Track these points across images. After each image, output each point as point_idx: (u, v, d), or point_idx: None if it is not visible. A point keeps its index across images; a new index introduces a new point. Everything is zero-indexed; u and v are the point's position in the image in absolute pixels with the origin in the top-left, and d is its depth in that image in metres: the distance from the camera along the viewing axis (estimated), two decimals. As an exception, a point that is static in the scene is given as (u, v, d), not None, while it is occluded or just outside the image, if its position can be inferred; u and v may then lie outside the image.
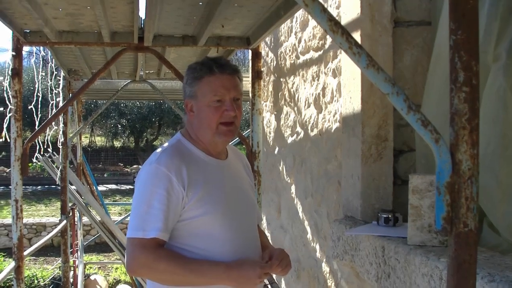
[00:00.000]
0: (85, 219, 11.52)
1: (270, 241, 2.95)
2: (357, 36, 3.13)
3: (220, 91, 2.45)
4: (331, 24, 1.45)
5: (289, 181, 5.32)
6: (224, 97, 2.45)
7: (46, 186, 27.40)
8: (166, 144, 2.61)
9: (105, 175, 30.71)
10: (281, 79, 5.54)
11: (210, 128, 2.48)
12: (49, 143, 8.10)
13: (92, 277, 12.66)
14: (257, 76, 5.17)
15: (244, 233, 2.57)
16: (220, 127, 2.47)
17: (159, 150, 2.54)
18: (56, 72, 8.32)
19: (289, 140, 5.27)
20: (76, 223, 10.10)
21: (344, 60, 3.53)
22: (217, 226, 2.45)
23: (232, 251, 2.45)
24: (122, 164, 35.67)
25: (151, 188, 2.38)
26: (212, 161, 2.57)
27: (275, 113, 5.91)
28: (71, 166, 9.56)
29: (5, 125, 4.60)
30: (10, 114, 4.53)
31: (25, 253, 4.92)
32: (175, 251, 2.39)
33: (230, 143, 2.79)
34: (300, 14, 4.64)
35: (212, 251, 2.42)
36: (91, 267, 14.36)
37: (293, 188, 5.15)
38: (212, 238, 2.43)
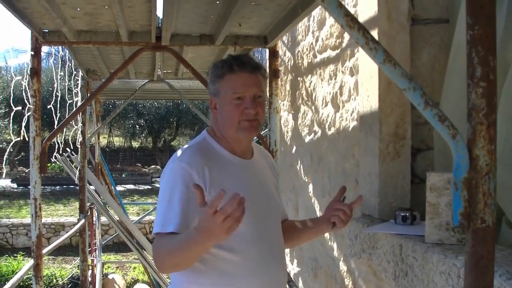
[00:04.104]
0: (103, 218, 11.57)
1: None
2: (374, 34, 3.12)
3: (239, 89, 2.45)
4: (348, 19, 1.45)
5: (306, 180, 5.31)
6: (244, 94, 2.45)
7: (64, 186, 27.55)
8: (191, 142, 2.63)
9: (123, 175, 30.82)
10: (299, 78, 5.53)
11: (232, 124, 2.48)
12: (68, 143, 8.15)
13: (110, 276, 12.71)
14: (274, 75, 5.16)
15: (268, 233, 2.57)
16: (242, 123, 2.46)
17: (185, 146, 2.56)
18: (75, 72, 8.37)
19: (307, 139, 5.26)
20: (94, 222, 10.16)
21: (362, 59, 3.52)
22: (241, 225, 2.45)
23: (256, 250, 2.45)
24: (140, 165, 35.82)
25: (172, 185, 2.39)
26: (236, 160, 2.57)
27: (292, 112, 5.90)
28: (90, 166, 9.61)
29: (23, 125, 4.63)
30: (29, 113, 4.56)
31: (44, 251, 4.95)
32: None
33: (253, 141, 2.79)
34: (317, 12, 4.64)
35: (235, 250, 2.42)
36: (109, 267, 14.44)
37: (310, 187, 5.15)
38: (235, 237, 2.42)
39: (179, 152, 2.48)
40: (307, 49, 5.13)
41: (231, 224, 2.07)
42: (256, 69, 2.53)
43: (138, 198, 24.81)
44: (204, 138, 2.60)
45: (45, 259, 6.16)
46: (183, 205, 2.33)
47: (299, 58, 5.48)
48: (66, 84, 8.34)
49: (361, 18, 3.36)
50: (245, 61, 2.52)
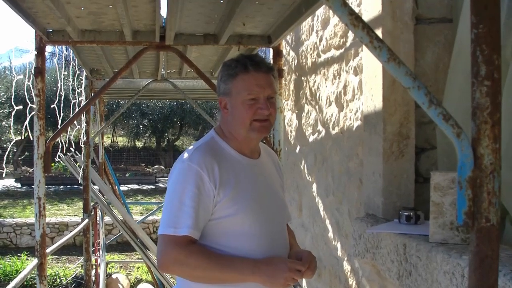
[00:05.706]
0: (107, 218, 11.59)
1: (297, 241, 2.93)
2: (378, 33, 3.11)
3: (254, 89, 2.42)
4: (352, 18, 1.45)
5: (310, 179, 5.31)
6: (258, 95, 2.43)
7: (68, 186, 27.61)
8: (199, 141, 2.60)
9: (127, 175, 30.85)
10: (302, 78, 5.53)
11: (244, 125, 2.46)
12: (72, 142, 8.16)
13: (113, 276, 12.69)
14: (278, 74, 5.16)
15: (274, 233, 2.56)
16: (254, 123, 2.44)
17: (191, 147, 2.53)
18: (79, 72, 8.39)
19: (311, 138, 5.26)
20: (98, 222, 10.17)
21: (366, 58, 3.51)
22: (247, 226, 2.44)
23: (262, 251, 2.44)
24: (143, 164, 35.87)
25: (183, 185, 2.37)
26: (244, 160, 2.55)
27: (296, 111, 5.90)
28: (93, 165, 9.62)
29: (26, 123, 4.64)
30: (33, 113, 4.57)
31: (48, 250, 4.96)
32: (206, 247, 2.40)
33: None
34: (321, 12, 4.63)
35: (242, 250, 2.41)
36: (112, 266, 14.43)
37: (314, 186, 5.14)
38: (242, 237, 2.42)
39: (188, 152, 2.46)
40: (311, 48, 5.12)
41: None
42: (270, 70, 2.51)
43: (142, 198, 24.82)
44: (212, 138, 2.58)
45: (49, 259, 6.15)
46: (195, 207, 2.33)
47: (303, 57, 5.48)
48: (70, 83, 8.36)
49: (365, 17, 3.36)
50: (259, 61, 2.49)
